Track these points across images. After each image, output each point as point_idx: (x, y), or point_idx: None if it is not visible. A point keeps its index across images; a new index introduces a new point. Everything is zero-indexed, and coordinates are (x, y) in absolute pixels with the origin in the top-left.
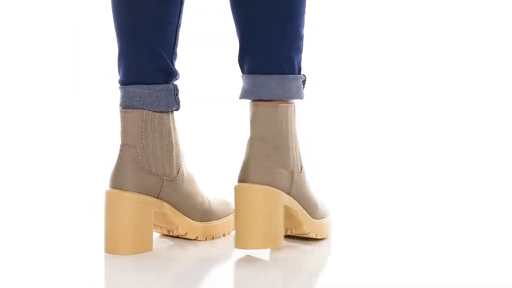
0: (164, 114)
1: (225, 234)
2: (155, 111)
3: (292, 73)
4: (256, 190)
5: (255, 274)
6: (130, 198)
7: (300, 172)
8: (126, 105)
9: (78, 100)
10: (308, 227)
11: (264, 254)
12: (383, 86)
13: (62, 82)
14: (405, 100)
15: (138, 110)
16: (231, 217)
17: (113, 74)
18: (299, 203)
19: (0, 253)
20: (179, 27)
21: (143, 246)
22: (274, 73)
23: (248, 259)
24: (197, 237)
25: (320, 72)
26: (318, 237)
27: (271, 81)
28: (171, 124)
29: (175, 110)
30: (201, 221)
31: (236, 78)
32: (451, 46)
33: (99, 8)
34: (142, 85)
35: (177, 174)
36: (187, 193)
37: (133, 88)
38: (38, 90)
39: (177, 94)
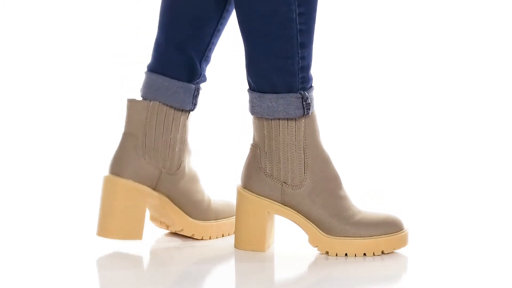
0: (176, 111)
1: (224, 235)
2: (166, 105)
3: (276, 92)
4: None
5: (254, 274)
6: (124, 185)
7: (301, 187)
8: (142, 93)
9: (76, 96)
10: (315, 242)
11: (264, 254)
12: (383, 86)
13: (62, 80)
14: (404, 101)
15: (145, 101)
16: (232, 219)
17: (113, 74)
18: (301, 216)
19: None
20: (218, 32)
21: (132, 233)
22: (256, 91)
23: (248, 259)
24: (193, 234)
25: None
26: (330, 254)
27: (253, 98)
28: (181, 121)
29: (189, 110)
30: (200, 219)
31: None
32: (450, 46)
33: (99, 8)
34: (164, 77)
35: (177, 169)
36: (187, 189)
37: (155, 77)
38: (38, 88)
39: (196, 96)
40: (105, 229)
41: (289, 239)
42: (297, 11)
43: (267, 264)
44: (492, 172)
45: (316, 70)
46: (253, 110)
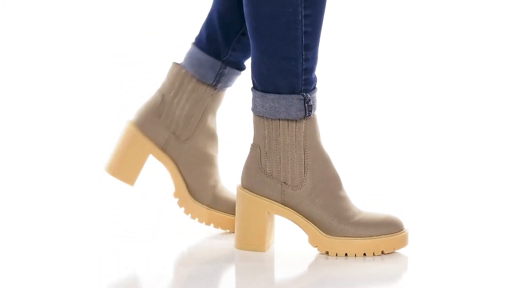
0: (198, 82)
1: (214, 226)
2: (192, 75)
3: (279, 92)
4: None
5: (254, 274)
6: (132, 132)
7: (301, 188)
8: (182, 60)
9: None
10: (315, 242)
11: (264, 254)
12: (382, 87)
13: (62, 80)
14: (404, 101)
15: (181, 67)
16: (228, 216)
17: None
18: (301, 216)
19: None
20: None
21: (127, 175)
22: (258, 90)
23: (248, 259)
24: (184, 210)
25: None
26: (330, 255)
27: (256, 97)
28: (201, 94)
29: (212, 86)
30: (195, 198)
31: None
32: (450, 48)
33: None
34: (197, 48)
35: (186, 139)
36: (192, 164)
37: (191, 46)
38: (38, 88)
39: (221, 73)
40: (107, 165)
41: (289, 239)
42: (303, 13)
43: (267, 264)
44: (492, 172)
45: (316, 71)
46: (256, 109)
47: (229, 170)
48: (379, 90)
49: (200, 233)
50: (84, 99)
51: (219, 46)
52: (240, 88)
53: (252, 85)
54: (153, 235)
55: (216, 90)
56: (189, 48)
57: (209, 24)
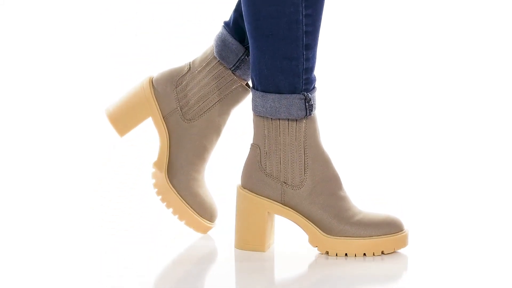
0: (216, 62)
1: (174, 214)
2: (215, 55)
3: (280, 92)
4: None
5: (254, 274)
6: (144, 87)
7: (301, 187)
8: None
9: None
10: (315, 242)
11: (264, 254)
12: (382, 88)
13: (62, 80)
14: (403, 101)
15: (213, 47)
16: (195, 217)
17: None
18: (301, 216)
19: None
20: None
21: (120, 125)
22: (259, 90)
23: (248, 259)
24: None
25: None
26: (330, 254)
27: (256, 97)
28: (216, 75)
29: (231, 70)
30: (169, 179)
31: None
32: (450, 49)
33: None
34: (224, 30)
35: (190, 120)
36: (183, 143)
37: (220, 29)
38: (38, 88)
39: (242, 59)
40: (108, 107)
41: (289, 239)
42: (303, 13)
43: (267, 264)
44: (492, 172)
45: (316, 71)
46: (256, 109)
47: (229, 170)
48: (378, 90)
49: (199, 233)
50: (84, 99)
51: (244, 31)
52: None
53: (251, 85)
54: (153, 235)
55: (235, 83)
56: (219, 29)
57: (237, 7)
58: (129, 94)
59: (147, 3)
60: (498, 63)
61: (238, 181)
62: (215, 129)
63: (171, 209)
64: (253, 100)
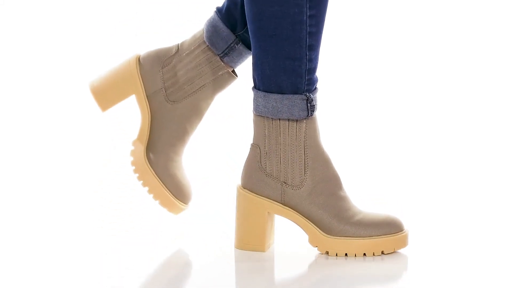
0: (205, 47)
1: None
2: (204, 40)
3: (282, 92)
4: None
5: (254, 274)
6: (130, 65)
7: (301, 187)
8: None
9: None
10: (315, 242)
11: (264, 254)
12: (382, 88)
13: (62, 80)
14: (403, 101)
15: (202, 31)
16: (167, 196)
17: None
18: (301, 216)
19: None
20: None
21: (103, 100)
22: (261, 90)
23: (248, 259)
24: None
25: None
26: (330, 254)
27: (258, 97)
28: (203, 60)
29: (219, 56)
30: (148, 154)
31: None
32: (450, 50)
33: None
34: (216, 16)
35: (174, 102)
36: (167, 134)
37: (212, 15)
38: (37, 88)
39: (232, 47)
40: (93, 81)
41: (289, 239)
42: (307, 13)
43: (267, 264)
44: (492, 172)
45: (317, 71)
46: (257, 109)
47: (229, 170)
48: (378, 90)
49: (200, 234)
50: (84, 100)
51: (236, 19)
52: (240, 88)
53: (253, 85)
54: (154, 236)
55: (222, 69)
56: (211, 14)
57: None
58: (114, 70)
59: (147, 3)
60: (498, 63)
61: (238, 181)
62: (198, 113)
63: (146, 188)
64: (255, 100)
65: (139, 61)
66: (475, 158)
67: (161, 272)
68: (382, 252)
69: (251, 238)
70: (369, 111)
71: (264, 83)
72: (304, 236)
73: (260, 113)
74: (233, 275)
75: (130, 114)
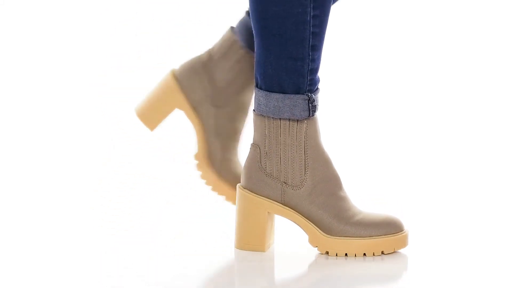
0: (245, 52)
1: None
2: (240, 43)
3: (284, 92)
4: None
5: (254, 273)
6: (168, 81)
7: (302, 187)
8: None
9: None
10: (315, 242)
11: (264, 254)
12: (382, 88)
13: (61, 80)
14: (403, 101)
15: (230, 33)
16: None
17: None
18: (301, 216)
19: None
20: None
21: (150, 120)
22: (262, 89)
23: (248, 259)
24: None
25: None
26: (330, 255)
27: (260, 96)
28: (248, 64)
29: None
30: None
31: None
32: (450, 49)
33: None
34: (248, 16)
35: (220, 106)
36: (221, 137)
37: (245, 16)
38: (37, 88)
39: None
40: (137, 106)
41: (289, 239)
42: (311, 13)
43: (267, 264)
44: (492, 173)
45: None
46: (259, 108)
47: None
48: (378, 90)
49: (200, 233)
50: (84, 99)
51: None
52: None
53: (255, 84)
54: (153, 235)
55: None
56: (243, 15)
57: None
58: (154, 90)
59: (147, 3)
60: (499, 64)
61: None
62: (244, 110)
63: (223, 196)
64: (256, 99)
65: (175, 76)
66: (475, 158)
67: (161, 271)
68: (382, 252)
69: (251, 238)
70: (369, 112)
71: (266, 82)
72: (304, 236)
73: (261, 112)
74: (233, 275)
75: (130, 114)
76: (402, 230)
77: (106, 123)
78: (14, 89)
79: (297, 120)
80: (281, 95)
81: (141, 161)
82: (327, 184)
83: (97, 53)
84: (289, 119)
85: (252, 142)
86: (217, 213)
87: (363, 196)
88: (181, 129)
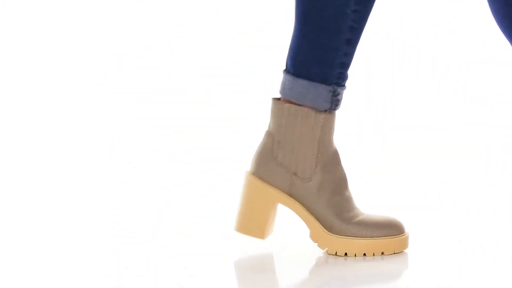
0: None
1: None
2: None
3: (310, 79)
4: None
5: (255, 273)
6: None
7: (310, 180)
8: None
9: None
10: (316, 237)
11: (264, 254)
12: (382, 88)
13: (61, 80)
14: (404, 101)
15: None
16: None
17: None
18: (305, 210)
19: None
20: None
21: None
22: (290, 73)
23: (248, 259)
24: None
25: None
26: (329, 252)
27: (286, 80)
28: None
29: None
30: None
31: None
32: (451, 51)
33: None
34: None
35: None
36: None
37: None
38: (37, 88)
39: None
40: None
41: (290, 239)
42: (352, 8)
43: (267, 264)
44: (492, 174)
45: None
46: (283, 92)
47: (239, 156)
48: (378, 91)
49: (200, 233)
50: (84, 99)
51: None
52: (244, 85)
53: (284, 67)
54: (153, 235)
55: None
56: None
57: None
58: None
59: (147, 3)
60: (498, 65)
61: (245, 166)
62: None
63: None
64: (282, 82)
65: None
66: (476, 160)
67: (161, 271)
68: (382, 253)
69: (253, 224)
70: (369, 112)
71: (295, 67)
72: (305, 236)
73: (285, 95)
74: (233, 275)
75: (130, 114)
76: (403, 233)
77: (106, 123)
78: (14, 89)
79: (317, 111)
80: (307, 82)
81: (141, 161)
82: (334, 182)
83: (97, 53)
84: (310, 108)
85: (267, 129)
86: (217, 213)
87: (364, 197)
88: (181, 129)
